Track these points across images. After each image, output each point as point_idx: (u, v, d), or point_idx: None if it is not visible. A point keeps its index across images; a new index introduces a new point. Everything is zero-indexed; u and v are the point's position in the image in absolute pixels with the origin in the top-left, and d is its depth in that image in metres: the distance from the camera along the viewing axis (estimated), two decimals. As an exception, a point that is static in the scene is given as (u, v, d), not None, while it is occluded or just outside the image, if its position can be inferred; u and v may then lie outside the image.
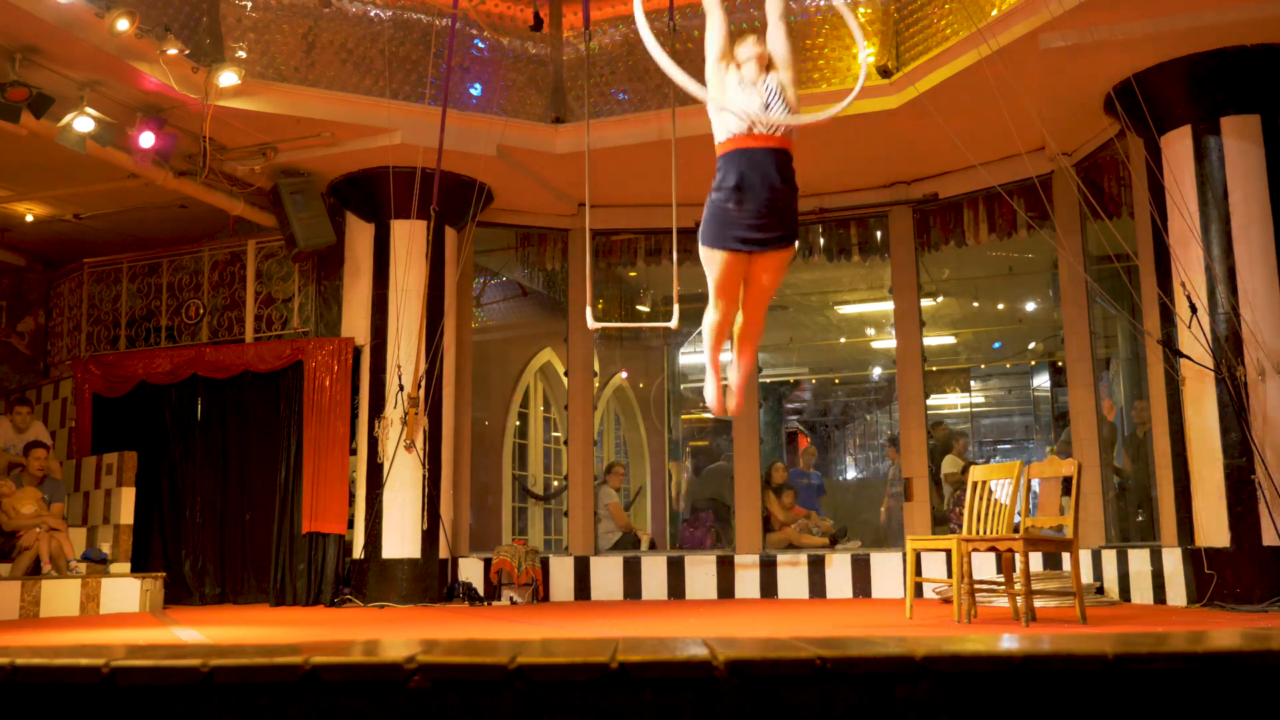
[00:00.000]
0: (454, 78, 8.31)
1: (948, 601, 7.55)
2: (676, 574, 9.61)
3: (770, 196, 4.18)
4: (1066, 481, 6.40)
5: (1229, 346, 6.82)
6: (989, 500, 6.11)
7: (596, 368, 10.67)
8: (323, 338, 9.36)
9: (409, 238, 9.05)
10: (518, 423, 11.73)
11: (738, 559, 9.53)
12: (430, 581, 8.88)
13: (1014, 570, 5.98)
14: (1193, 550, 7.01)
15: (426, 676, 1.68)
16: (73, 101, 7.45)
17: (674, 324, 5.89)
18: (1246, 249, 6.91)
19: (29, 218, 10.19)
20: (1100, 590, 8.09)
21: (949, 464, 10.02)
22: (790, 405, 15.38)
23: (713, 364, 4.50)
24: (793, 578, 9.37)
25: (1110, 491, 8.64)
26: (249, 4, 7.97)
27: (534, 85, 8.94)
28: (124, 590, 8.22)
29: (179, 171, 8.56)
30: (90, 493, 9.20)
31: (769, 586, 9.41)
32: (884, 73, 7.99)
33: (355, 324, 9.30)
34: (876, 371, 14.20)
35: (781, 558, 9.46)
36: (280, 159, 8.78)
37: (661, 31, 8.47)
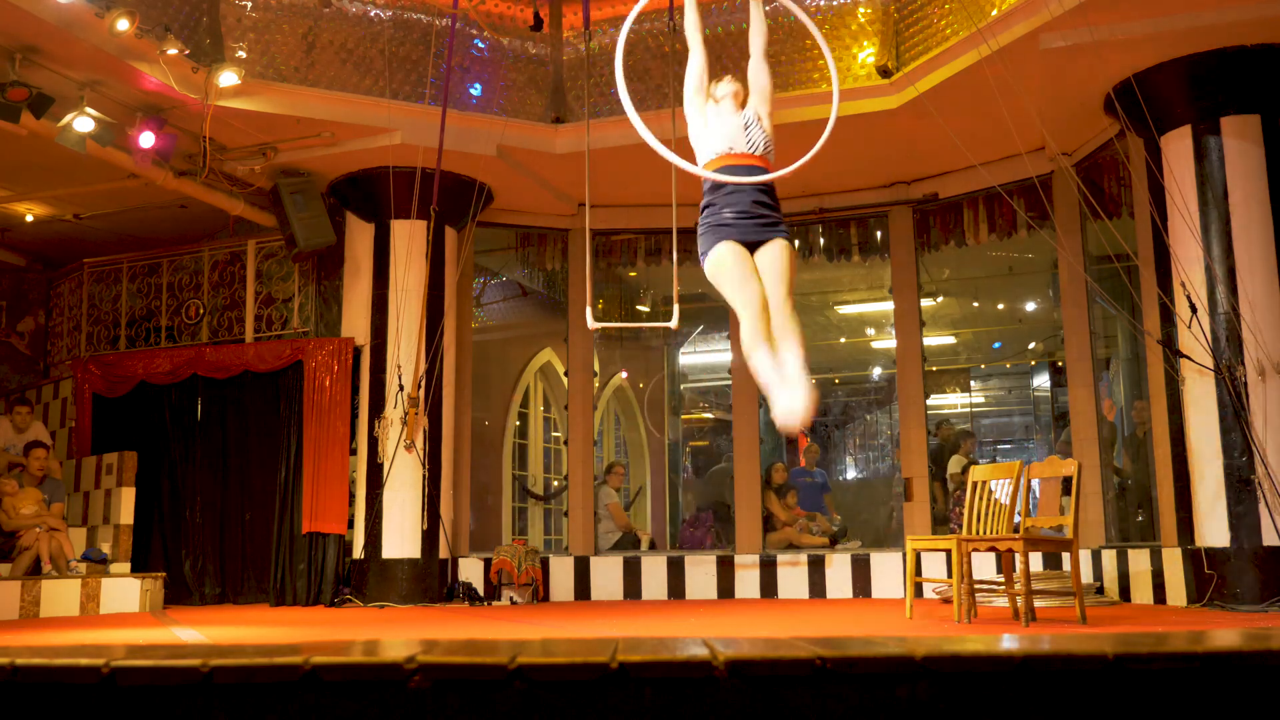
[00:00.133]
0: (454, 78, 8.31)
1: (948, 601, 7.55)
2: (676, 574, 9.61)
3: (755, 199, 4.24)
4: (1066, 481, 6.40)
5: (1229, 346, 6.82)
6: (989, 500, 6.11)
7: (596, 368, 10.67)
8: (323, 338, 9.36)
9: (409, 238, 9.05)
10: (518, 423, 11.73)
11: (738, 559, 9.54)
12: (430, 581, 8.88)
13: (1014, 570, 5.98)
14: (1193, 550, 7.01)
15: (426, 676, 1.68)
16: (73, 101, 7.45)
17: (674, 324, 5.88)
18: (1246, 249, 6.91)
19: (29, 218, 10.19)
20: (1100, 590, 8.09)
21: (955, 464, 10.02)
22: (790, 405, 15.34)
23: (769, 376, 4.25)
24: (793, 578, 9.37)
25: (1110, 491, 8.64)
26: (249, 4, 7.97)
27: (534, 85, 8.94)
28: (124, 590, 8.23)
29: (179, 171, 8.57)
30: (90, 493, 9.20)
31: (769, 586, 9.41)
32: (884, 73, 7.99)
33: (355, 324, 9.30)
34: (876, 371, 14.19)
35: (781, 558, 9.46)
36: (280, 159, 8.78)
37: (662, 31, 8.48)
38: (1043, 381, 13.65)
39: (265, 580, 9.19)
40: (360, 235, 9.34)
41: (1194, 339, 6.84)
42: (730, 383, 10.13)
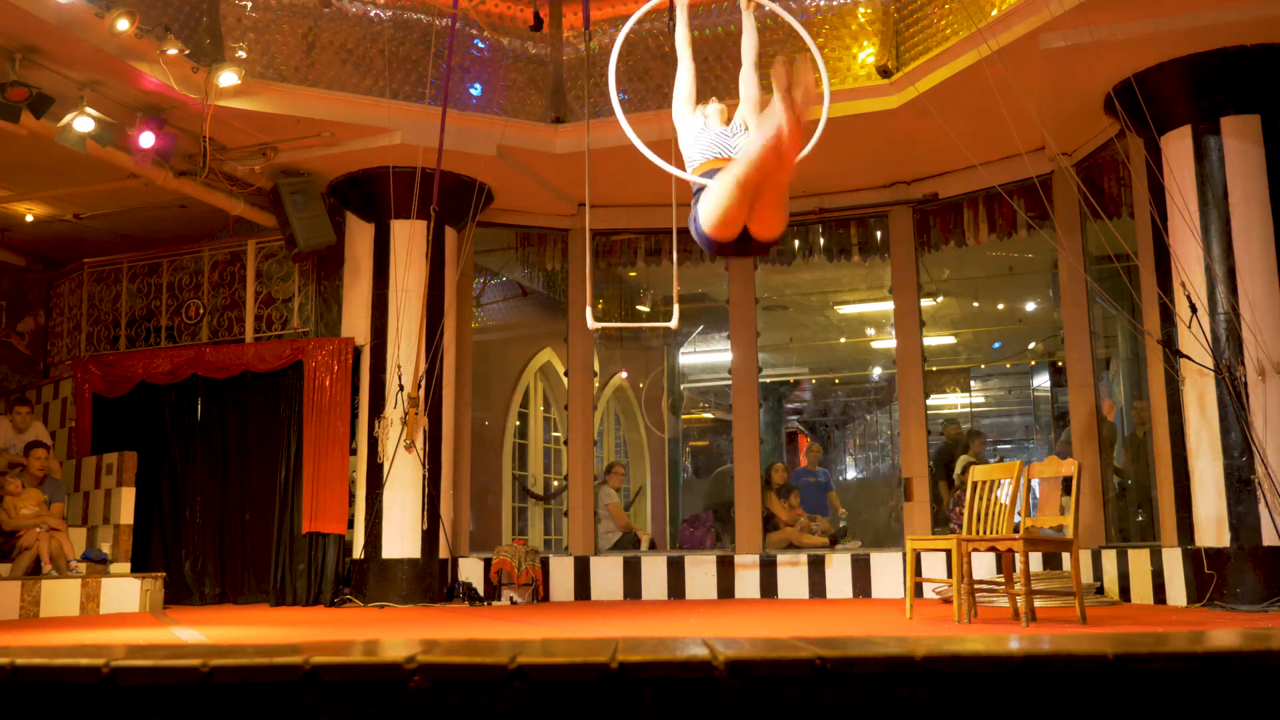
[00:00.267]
0: (454, 78, 8.31)
1: (948, 601, 7.55)
2: (676, 574, 9.61)
3: None
4: (1066, 481, 6.40)
5: (1229, 346, 6.82)
6: (989, 500, 6.11)
7: (596, 368, 10.67)
8: (323, 338, 9.36)
9: (409, 238, 9.06)
10: (518, 423, 11.73)
11: (738, 559, 9.54)
12: (430, 581, 8.88)
13: (1014, 570, 5.98)
14: (1193, 550, 7.01)
15: (426, 676, 1.68)
16: (73, 101, 7.45)
17: (674, 324, 5.89)
18: (1246, 249, 6.91)
19: (29, 218, 10.20)
20: (1100, 590, 8.09)
21: (963, 464, 10.01)
22: (790, 405, 15.39)
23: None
24: (793, 578, 9.37)
25: (1110, 491, 8.64)
26: (249, 4, 7.97)
27: (534, 85, 8.94)
28: (124, 590, 8.23)
29: (179, 171, 8.57)
30: (90, 493, 9.21)
31: (769, 586, 9.41)
32: (884, 73, 7.99)
33: (355, 324, 9.30)
34: (876, 371, 14.20)
35: (781, 558, 9.46)
36: (280, 159, 8.78)
37: (662, 31, 8.49)
38: (1043, 381, 13.66)
39: (265, 580, 9.19)
40: (360, 235, 9.34)
41: (1194, 339, 6.84)
42: (730, 383, 10.13)
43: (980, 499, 6.16)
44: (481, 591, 9.17)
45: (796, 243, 10.14)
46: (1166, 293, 7.20)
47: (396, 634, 5.89)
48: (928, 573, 8.87)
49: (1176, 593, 7.26)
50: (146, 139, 7.88)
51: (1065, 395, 9.18)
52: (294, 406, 9.25)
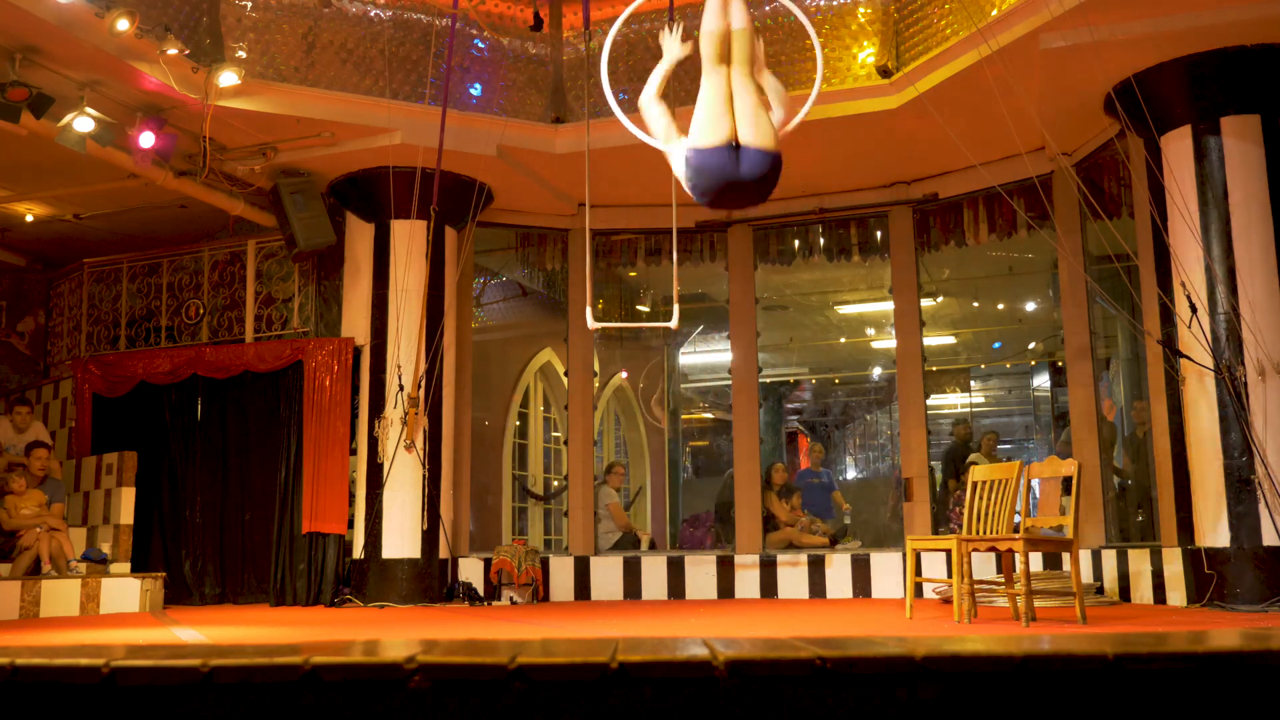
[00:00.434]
0: (454, 78, 8.31)
1: (948, 601, 7.55)
2: (676, 574, 9.61)
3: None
4: (1066, 481, 6.40)
5: (1229, 346, 6.82)
6: (989, 500, 6.11)
7: (596, 368, 10.67)
8: (323, 338, 9.36)
9: (409, 238, 9.06)
10: (518, 423, 11.73)
11: (738, 559, 9.54)
12: (430, 581, 8.88)
13: (1014, 570, 5.98)
14: (1193, 550, 7.01)
15: (426, 676, 1.68)
16: (73, 101, 7.45)
17: (674, 324, 5.88)
18: (1246, 249, 6.91)
19: (29, 218, 10.20)
20: (1100, 590, 8.09)
21: (975, 462, 10.00)
22: (790, 405, 15.40)
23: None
24: (793, 578, 9.37)
25: (1110, 491, 8.64)
26: (249, 4, 7.97)
27: (534, 85, 8.94)
28: (124, 590, 8.23)
29: (179, 171, 8.57)
30: (90, 493, 9.20)
31: (769, 586, 9.41)
32: (884, 73, 7.99)
33: (355, 324, 9.30)
34: (876, 371, 14.21)
35: (781, 558, 9.46)
36: (280, 159, 8.78)
37: (661, 31, 8.47)
38: (1043, 381, 13.66)
39: (265, 580, 9.19)
40: (360, 235, 9.34)
41: (1194, 339, 6.84)
42: (730, 383, 10.13)
43: (980, 499, 6.16)
44: (481, 591, 9.17)
45: (796, 243, 10.14)
46: (1166, 293, 7.20)
47: (396, 634, 5.89)
48: (928, 573, 8.87)
49: (1176, 593, 7.26)
50: (146, 139, 7.88)
51: (1065, 395, 9.18)
52: (294, 406, 9.25)
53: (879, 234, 9.89)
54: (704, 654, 1.70)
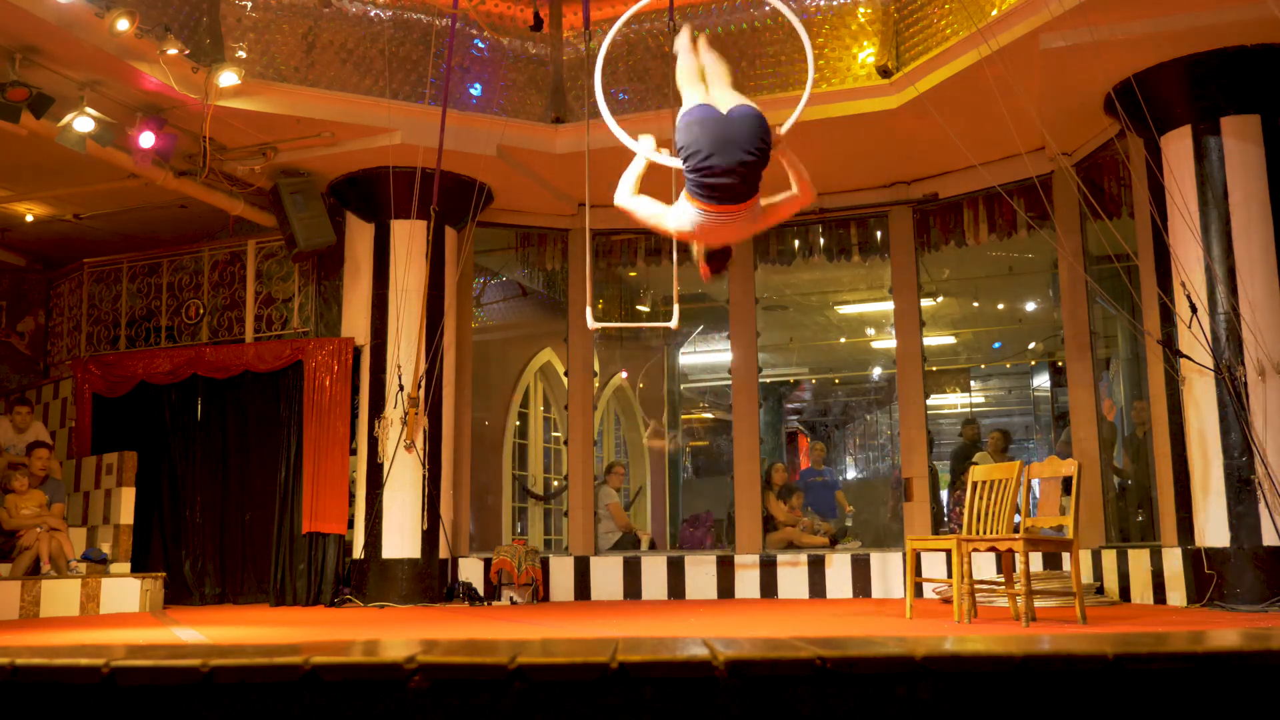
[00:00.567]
0: (454, 78, 8.31)
1: (948, 601, 7.55)
2: (676, 574, 9.61)
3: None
4: (1066, 481, 6.40)
5: (1229, 346, 6.82)
6: (989, 500, 6.11)
7: (596, 368, 10.67)
8: (323, 338, 9.36)
9: (409, 238, 9.06)
10: (518, 423, 11.73)
11: (738, 559, 9.53)
12: (430, 581, 8.88)
13: (1014, 570, 5.98)
14: (1193, 550, 7.01)
15: (426, 676, 1.68)
16: (73, 101, 7.45)
17: (674, 324, 5.89)
18: (1246, 249, 6.91)
19: (29, 218, 10.20)
20: (1100, 590, 8.09)
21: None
22: (790, 405, 15.40)
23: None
24: (793, 578, 9.37)
25: (1110, 491, 8.64)
26: (249, 4, 7.97)
27: (534, 85, 8.94)
28: (124, 590, 8.23)
29: (179, 171, 8.57)
30: (90, 493, 9.20)
31: (769, 586, 9.41)
32: (884, 73, 7.99)
33: (355, 324, 9.30)
34: (876, 371, 14.21)
35: (781, 558, 9.46)
36: (280, 159, 8.78)
37: (661, 31, 8.48)
38: (1043, 381, 13.66)
39: (265, 580, 9.19)
40: (360, 235, 9.34)
41: (1194, 339, 6.84)
42: (730, 383, 10.13)
43: (980, 499, 6.16)
44: (481, 591, 9.17)
45: (796, 243, 10.14)
46: (1166, 293, 7.20)
47: (396, 634, 5.89)
48: (928, 573, 8.87)
49: (1176, 593, 7.26)
50: (146, 139, 7.88)
51: (1065, 395, 9.18)
52: (294, 406, 9.25)
53: (879, 234, 9.89)
54: (704, 654, 1.70)
